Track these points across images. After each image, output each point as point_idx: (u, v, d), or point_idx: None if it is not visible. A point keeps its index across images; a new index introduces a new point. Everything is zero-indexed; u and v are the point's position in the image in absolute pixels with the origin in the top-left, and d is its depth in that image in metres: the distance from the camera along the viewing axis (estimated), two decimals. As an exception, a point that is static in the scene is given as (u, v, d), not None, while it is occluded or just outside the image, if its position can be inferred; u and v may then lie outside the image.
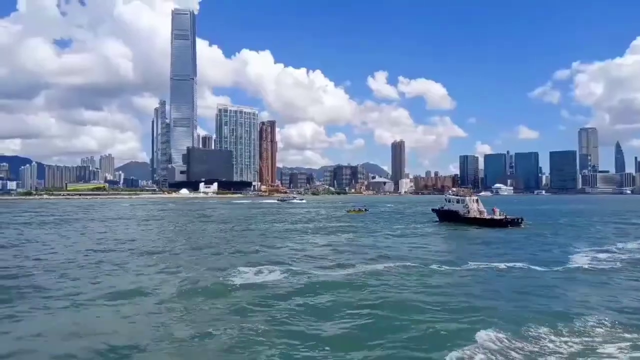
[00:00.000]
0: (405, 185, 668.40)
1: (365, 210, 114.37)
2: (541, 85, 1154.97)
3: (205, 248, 38.53)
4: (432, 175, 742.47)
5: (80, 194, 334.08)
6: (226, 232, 55.05)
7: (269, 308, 18.60)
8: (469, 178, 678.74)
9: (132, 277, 25.44)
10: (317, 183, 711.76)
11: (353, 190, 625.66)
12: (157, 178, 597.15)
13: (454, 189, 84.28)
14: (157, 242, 43.85)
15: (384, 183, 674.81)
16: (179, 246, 39.04)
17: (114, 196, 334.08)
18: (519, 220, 61.77)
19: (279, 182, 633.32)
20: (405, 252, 36.10)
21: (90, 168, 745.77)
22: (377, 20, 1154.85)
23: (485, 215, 63.38)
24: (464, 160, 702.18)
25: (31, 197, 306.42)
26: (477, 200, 66.77)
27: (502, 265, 29.17)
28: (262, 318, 17.26)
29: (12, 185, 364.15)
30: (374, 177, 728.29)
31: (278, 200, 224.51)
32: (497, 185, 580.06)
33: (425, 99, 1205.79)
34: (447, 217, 67.87)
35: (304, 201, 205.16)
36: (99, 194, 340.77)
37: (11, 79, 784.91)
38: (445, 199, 72.33)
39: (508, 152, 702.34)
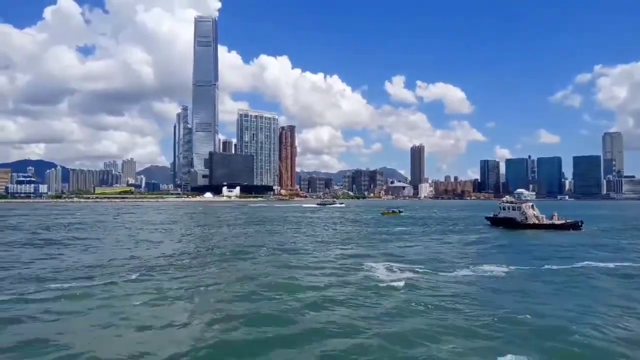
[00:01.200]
0: (425, 189, 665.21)
1: (400, 212, 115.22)
2: (562, 89, 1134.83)
3: (353, 250, 40.33)
4: (452, 179, 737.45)
5: (108, 198, 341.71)
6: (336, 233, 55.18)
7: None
8: (489, 183, 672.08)
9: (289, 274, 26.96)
10: (336, 187, 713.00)
11: (372, 195, 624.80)
12: (179, 182, 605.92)
13: (507, 197, 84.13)
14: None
15: (403, 187, 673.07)
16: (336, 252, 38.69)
17: (141, 200, 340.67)
18: (580, 224, 62.18)
19: (298, 186, 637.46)
20: (515, 252, 37.45)
21: (113, 172, 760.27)
22: (395, 25, 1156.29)
23: (545, 221, 63.85)
24: (485, 165, 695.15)
25: (62, 200, 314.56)
26: (532, 206, 67.30)
27: (611, 265, 30.30)
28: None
29: (43, 188, 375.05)
30: (392, 182, 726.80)
31: (318, 203, 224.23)
32: (519, 190, 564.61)
33: (444, 103, 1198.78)
34: (503, 224, 68.40)
35: (343, 205, 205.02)
36: (126, 197, 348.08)
37: (37, 85, 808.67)
38: (500, 207, 72.82)
39: (530, 156, 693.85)
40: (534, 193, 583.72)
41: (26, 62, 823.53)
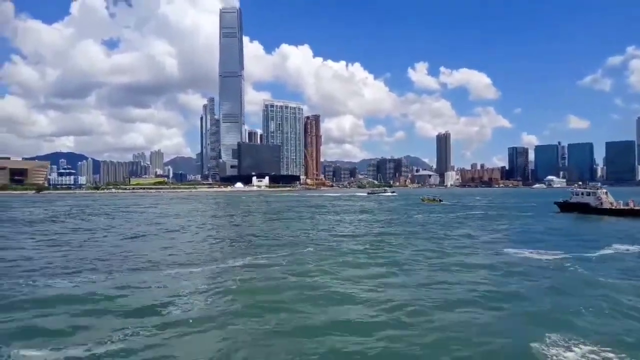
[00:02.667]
0: (451, 178, 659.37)
1: (440, 200, 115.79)
2: (591, 72, 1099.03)
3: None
4: (478, 167, 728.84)
5: (143, 188, 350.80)
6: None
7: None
8: (518, 170, 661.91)
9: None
10: (360, 176, 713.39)
11: (398, 184, 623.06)
12: (206, 172, 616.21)
13: (579, 184, 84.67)
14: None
15: (429, 176, 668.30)
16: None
17: (175, 190, 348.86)
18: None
19: (322, 175, 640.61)
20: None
21: (142, 163, 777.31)
22: (416, 11, 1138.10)
23: (622, 206, 64.41)
24: (513, 152, 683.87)
25: (101, 191, 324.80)
26: (606, 193, 67.91)
27: None
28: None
29: (82, 180, 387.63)
30: (417, 170, 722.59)
31: (368, 193, 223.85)
32: (550, 177, 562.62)
33: (468, 89, 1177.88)
34: (575, 209, 69.21)
35: (395, 194, 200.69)
36: (161, 188, 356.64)
37: (66, 79, 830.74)
38: (573, 192, 73.51)
39: (559, 143, 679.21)
40: (565, 180, 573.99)
41: (55, 57, 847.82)
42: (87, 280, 21.32)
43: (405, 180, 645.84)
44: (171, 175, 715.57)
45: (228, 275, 22.25)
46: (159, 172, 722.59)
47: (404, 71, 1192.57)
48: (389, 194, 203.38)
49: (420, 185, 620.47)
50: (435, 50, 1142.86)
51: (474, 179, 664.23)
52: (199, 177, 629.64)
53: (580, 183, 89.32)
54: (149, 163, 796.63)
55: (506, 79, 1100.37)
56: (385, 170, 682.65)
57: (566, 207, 72.64)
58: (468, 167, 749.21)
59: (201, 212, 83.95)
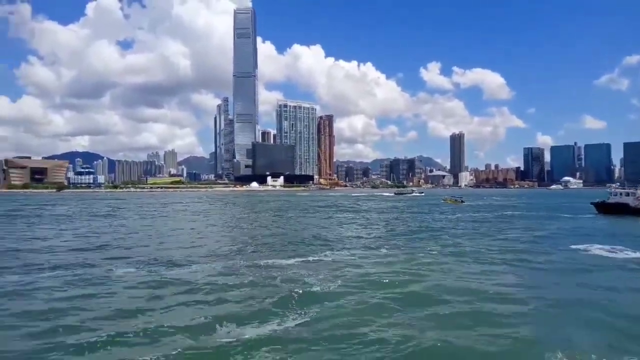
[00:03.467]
0: (465, 178, 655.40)
1: (462, 201, 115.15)
2: (608, 72, 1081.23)
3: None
4: (492, 168, 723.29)
5: (161, 187, 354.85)
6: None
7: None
8: (533, 171, 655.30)
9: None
10: (373, 177, 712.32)
11: (411, 184, 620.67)
12: (220, 172, 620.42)
13: (617, 184, 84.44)
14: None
15: (443, 176, 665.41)
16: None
17: (192, 189, 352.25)
18: None
19: (335, 175, 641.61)
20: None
21: (156, 163, 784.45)
22: (429, 10, 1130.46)
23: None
24: (528, 152, 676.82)
25: (119, 190, 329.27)
26: (646, 193, 67.46)
27: None
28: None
29: (101, 179, 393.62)
30: (431, 171, 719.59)
31: (395, 193, 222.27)
32: (566, 178, 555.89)
33: (482, 89, 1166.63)
34: (613, 210, 68.79)
35: (423, 194, 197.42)
36: (178, 187, 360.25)
37: (81, 80, 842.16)
38: (611, 193, 73.18)
39: (575, 143, 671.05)
40: (581, 181, 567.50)
41: (71, 57, 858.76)
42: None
43: (419, 181, 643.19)
44: (185, 174, 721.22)
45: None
46: (173, 171, 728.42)
47: (416, 71, 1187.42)
48: (417, 193, 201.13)
49: (434, 185, 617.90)
50: (447, 50, 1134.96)
51: (489, 179, 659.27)
52: (212, 176, 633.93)
53: (618, 184, 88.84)
54: (162, 162, 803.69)
55: (520, 78, 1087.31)
56: (399, 171, 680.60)
57: (604, 207, 72.16)
58: (481, 168, 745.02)
59: (240, 211, 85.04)
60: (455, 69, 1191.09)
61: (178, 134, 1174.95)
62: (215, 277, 20.97)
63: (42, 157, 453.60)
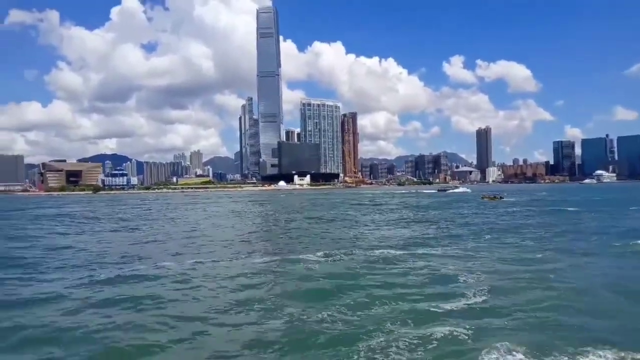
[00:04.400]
0: (493, 173, 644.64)
1: (501, 197, 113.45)
2: (639, 61, 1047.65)
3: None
4: (521, 162, 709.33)
5: (191, 187, 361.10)
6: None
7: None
8: (564, 165, 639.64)
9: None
10: (398, 173, 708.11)
11: (437, 180, 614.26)
12: (246, 172, 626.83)
13: None
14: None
15: (470, 172, 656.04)
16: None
17: (221, 189, 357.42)
18: None
19: (360, 173, 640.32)
20: None
21: (182, 164, 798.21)
22: (451, 3, 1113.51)
23: None
24: (558, 146, 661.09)
25: (152, 191, 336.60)
26: None
27: None
28: None
29: (134, 180, 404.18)
30: (457, 167, 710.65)
31: (437, 189, 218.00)
32: (599, 172, 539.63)
33: (507, 82, 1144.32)
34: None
35: (468, 190, 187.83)
36: (208, 187, 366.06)
37: (108, 83, 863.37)
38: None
39: (607, 135, 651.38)
40: (614, 175, 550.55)
41: (98, 62, 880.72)
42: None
43: (445, 177, 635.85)
44: (211, 174, 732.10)
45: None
46: (199, 172, 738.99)
47: (439, 65, 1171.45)
48: (461, 190, 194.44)
49: (460, 181, 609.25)
50: (471, 43, 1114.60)
51: (517, 174, 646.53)
52: (237, 176, 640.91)
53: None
54: (189, 163, 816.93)
55: (547, 70, 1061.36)
56: (424, 167, 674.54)
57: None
58: (508, 163, 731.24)
59: (286, 209, 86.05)
60: (479, 62, 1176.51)
61: (202, 134, 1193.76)
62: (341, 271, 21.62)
63: (76, 160, 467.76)
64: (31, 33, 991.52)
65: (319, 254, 27.16)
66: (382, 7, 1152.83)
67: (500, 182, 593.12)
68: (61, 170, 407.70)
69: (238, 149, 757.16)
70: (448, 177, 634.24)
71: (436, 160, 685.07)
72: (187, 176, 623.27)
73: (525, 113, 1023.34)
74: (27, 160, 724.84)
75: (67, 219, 68.60)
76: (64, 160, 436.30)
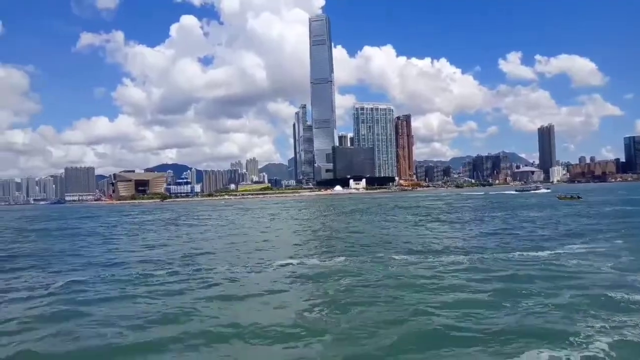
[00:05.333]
0: (558, 173, 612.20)
1: (578, 197, 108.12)
2: None
3: None
4: (587, 160, 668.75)
5: (251, 194, 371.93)
6: None
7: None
8: (637, 162, 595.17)
9: None
10: (454, 175, 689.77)
11: (497, 182, 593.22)
12: (300, 177, 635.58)
13: None
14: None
15: (532, 172, 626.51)
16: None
17: (279, 195, 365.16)
18: None
19: (415, 175, 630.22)
20: None
21: (239, 171, 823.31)
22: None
23: None
24: (630, 142, 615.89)
25: (214, 198, 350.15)
26: None
27: None
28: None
29: (197, 188, 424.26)
30: (517, 167, 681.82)
31: (516, 190, 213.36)
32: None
33: (569, 76, 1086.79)
34: None
35: (549, 190, 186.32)
36: (266, 193, 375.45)
37: (168, 97, 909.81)
38: None
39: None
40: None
41: (159, 76, 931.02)
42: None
43: (505, 178, 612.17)
44: (266, 181, 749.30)
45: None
46: (255, 178, 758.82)
47: (495, 63, 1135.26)
48: (543, 190, 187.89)
49: (522, 182, 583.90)
50: (528, 38, 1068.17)
51: (584, 173, 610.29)
52: (292, 182, 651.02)
53: None
54: (245, 170, 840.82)
55: (613, 62, 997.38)
56: (482, 168, 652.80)
57: None
58: (573, 162, 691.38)
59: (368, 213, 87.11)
60: (537, 57, 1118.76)
61: (256, 142, 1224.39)
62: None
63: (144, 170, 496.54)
64: (99, 53, 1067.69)
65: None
66: (431, 8, 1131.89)
67: (565, 182, 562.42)
68: (130, 180, 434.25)
69: (290, 156, 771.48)
70: (508, 178, 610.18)
71: (495, 161, 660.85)
72: (244, 183, 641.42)
73: (590, 108, 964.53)
74: (96, 172, 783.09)
75: (194, 221, 73.70)
76: (133, 171, 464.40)
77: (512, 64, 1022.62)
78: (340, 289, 19.42)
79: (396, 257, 26.78)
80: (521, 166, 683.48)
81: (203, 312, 16.22)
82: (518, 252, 27.18)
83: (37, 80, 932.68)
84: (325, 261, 26.49)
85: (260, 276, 22.99)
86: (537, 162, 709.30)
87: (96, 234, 57.01)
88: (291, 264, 25.87)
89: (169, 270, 25.09)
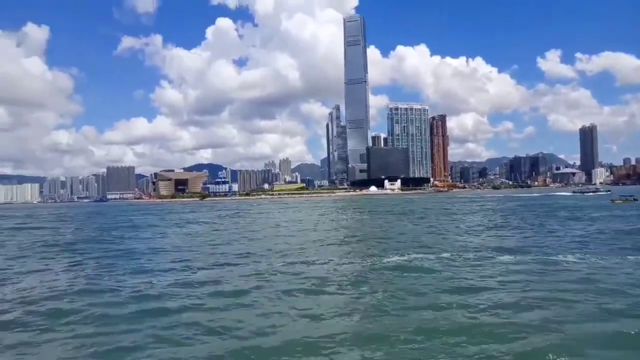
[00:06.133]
0: (601, 175, 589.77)
1: (634, 199, 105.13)
2: None
3: None
4: (633, 162, 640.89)
5: (287, 193, 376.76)
6: None
7: None
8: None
9: None
10: (491, 176, 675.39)
11: (536, 183, 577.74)
12: (333, 177, 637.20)
13: None
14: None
15: (573, 174, 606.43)
16: None
17: (314, 194, 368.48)
18: None
19: (449, 176, 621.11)
20: None
21: (273, 171, 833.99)
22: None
23: None
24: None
25: (251, 197, 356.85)
26: None
27: None
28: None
29: (234, 187, 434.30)
30: (557, 168, 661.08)
31: (573, 192, 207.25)
32: None
33: (613, 74, 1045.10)
34: None
35: (609, 192, 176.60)
36: (302, 193, 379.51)
37: (204, 98, 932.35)
38: None
39: None
40: None
41: (195, 78, 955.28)
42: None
43: (545, 180, 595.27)
44: (299, 181, 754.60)
45: None
46: (288, 178, 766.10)
47: (533, 61, 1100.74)
48: (603, 192, 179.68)
49: (563, 184, 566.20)
50: (568, 35, 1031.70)
51: (629, 175, 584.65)
52: (325, 182, 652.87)
53: None
54: (278, 170, 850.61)
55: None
56: (520, 169, 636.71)
57: None
58: (616, 163, 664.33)
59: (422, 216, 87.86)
60: (578, 55, 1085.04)
61: (289, 142, 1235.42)
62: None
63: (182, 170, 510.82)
64: (139, 56, 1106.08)
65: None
66: (466, 6, 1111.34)
67: (609, 184, 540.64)
68: (170, 179, 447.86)
69: (322, 156, 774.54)
70: (548, 180, 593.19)
71: (533, 162, 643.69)
72: (277, 183, 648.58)
73: (636, 107, 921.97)
74: (135, 171, 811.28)
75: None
76: (172, 170, 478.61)
77: (551, 62, 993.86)
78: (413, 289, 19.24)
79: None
80: (561, 167, 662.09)
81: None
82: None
83: (80, 82, 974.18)
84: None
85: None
86: (577, 163, 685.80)
87: (206, 233, 53.91)
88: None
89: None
